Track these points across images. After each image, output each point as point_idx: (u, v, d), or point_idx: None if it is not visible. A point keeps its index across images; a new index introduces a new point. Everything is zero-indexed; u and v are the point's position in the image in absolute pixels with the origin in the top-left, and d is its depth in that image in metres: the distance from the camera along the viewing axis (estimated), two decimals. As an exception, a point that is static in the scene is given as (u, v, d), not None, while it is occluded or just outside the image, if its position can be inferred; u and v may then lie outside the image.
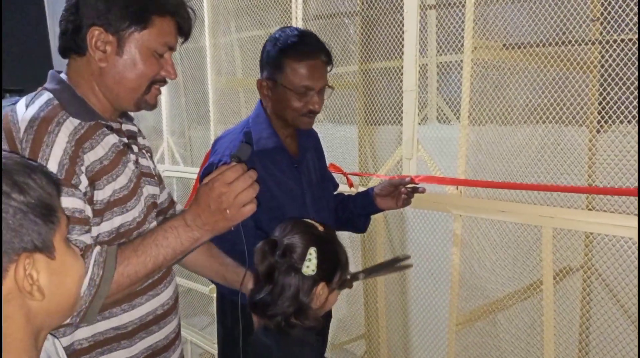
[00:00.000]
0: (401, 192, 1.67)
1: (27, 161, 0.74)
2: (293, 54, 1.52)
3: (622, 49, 1.43)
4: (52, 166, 1.03)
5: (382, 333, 2.24)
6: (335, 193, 1.88)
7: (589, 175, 1.76)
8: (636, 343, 1.50)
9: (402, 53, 1.89)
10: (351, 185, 2.10)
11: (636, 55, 1.39)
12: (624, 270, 1.53)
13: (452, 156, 1.77)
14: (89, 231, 1.07)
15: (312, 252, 1.19)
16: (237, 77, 2.79)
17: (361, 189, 1.91)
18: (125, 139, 1.23)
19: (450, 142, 1.81)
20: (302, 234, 1.22)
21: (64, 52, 1.17)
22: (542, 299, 1.57)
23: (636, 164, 1.49)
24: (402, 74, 1.88)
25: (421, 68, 2.01)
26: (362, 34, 2.16)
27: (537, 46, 1.50)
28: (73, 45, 1.13)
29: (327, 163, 1.90)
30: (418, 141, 1.84)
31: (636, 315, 1.53)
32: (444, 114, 2.25)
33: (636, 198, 1.41)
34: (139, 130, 1.35)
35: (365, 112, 2.25)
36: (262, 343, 1.27)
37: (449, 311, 1.78)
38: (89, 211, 1.08)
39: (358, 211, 1.77)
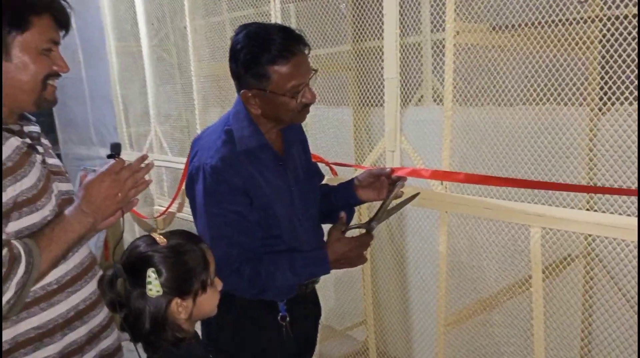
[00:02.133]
0: (382, 183, 1.62)
1: None
2: (273, 58, 1.42)
3: (625, 25, 1.33)
4: None
5: (382, 320, 2.21)
6: (320, 183, 1.82)
7: (590, 159, 1.67)
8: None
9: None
10: (335, 174, 2.04)
11: (637, 30, 1.30)
12: (626, 255, 1.46)
13: (439, 146, 1.69)
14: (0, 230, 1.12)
15: (151, 273, 1.18)
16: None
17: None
18: (28, 141, 1.25)
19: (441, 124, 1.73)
20: (139, 256, 1.22)
21: None
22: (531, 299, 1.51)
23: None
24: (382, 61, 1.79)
25: (415, 46, 1.92)
26: (353, 12, 2.07)
27: (530, 26, 1.40)
28: None
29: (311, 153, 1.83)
30: (401, 131, 1.76)
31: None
32: (441, 95, 2.17)
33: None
34: (41, 130, 1.37)
35: (359, 93, 2.17)
36: None
37: (436, 312, 1.73)
38: None
39: (340, 203, 1.71)
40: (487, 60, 1.56)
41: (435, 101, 2.25)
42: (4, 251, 1.08)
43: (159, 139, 3.18)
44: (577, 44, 1.42)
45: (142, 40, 3.11)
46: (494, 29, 1.49)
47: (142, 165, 1.27)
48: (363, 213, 2.13)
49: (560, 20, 1.41)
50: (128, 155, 3.59)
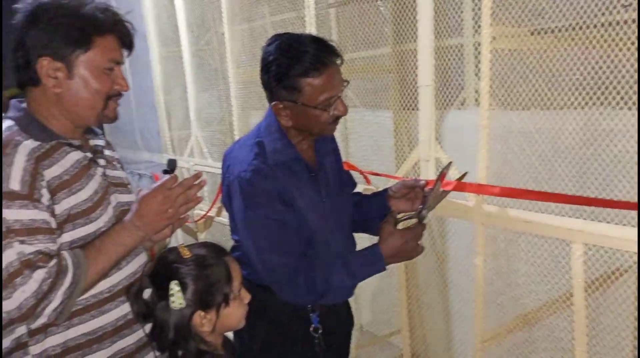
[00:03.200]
0: (416, 194, 1.57)
1: None
2: (305, 70, 1.40)
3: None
4: (14, 184, 1.13)
5: (422, 328, 2.16)
6: (353, 192, 1.79)
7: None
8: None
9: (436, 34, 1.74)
10: (369, 183, 2.00)
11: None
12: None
13: (476, 153, 1.62)
14: (54, 239, 1.18)
15: (174, 286, 1.20)
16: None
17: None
18: (89, 154, 1.31)
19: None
20: (164, 268, 1.24)
21: (20, 86, 1.26)
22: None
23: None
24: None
25: (457, 48, 1.85)
26: (393, 14, 2.02)
27: (574, 29, 1.32)
28: (26, 78, 1.23)
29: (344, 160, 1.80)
30: (437, 140, 1.70)
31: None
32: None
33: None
34: (108, 142, 1.45)
35: (400, 96, 2.12)
36: None
37: (473, 326, 1.66)
38: (53, 223, 1.18)
39: (373, 213, 1.67)
40: (526, 65, 1.49)
41: (476, 105, 2.17)
42: (52, 262, 1.14)
43: (199, 144, 3.21)
44: (627, 46, 1.33)
45: (184, 47, 3.15)
46: (532, 33, 1.42)
47: (195, 182, 1.30)
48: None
49: (608, 22, 1.32)
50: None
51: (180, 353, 1.24)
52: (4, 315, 1.13)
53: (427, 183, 1.59)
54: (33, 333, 1.21)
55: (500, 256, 1.67)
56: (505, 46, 1.48)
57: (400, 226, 1.52)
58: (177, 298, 1.19)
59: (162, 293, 1.21)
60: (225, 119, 3.17)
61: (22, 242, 1.12)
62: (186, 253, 1.24)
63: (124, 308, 1.31)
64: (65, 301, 1.16)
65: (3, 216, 1.11)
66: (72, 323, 1.24)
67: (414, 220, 1.51)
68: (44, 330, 1.21)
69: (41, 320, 1.15)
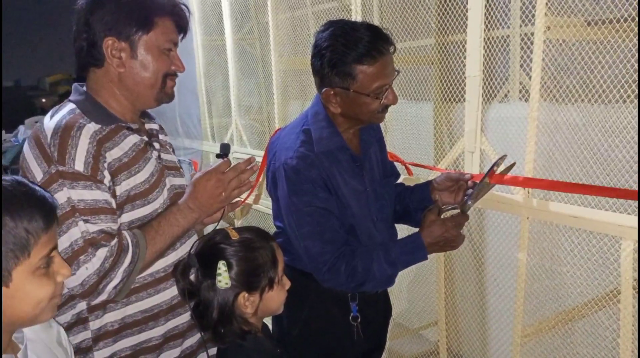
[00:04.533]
0: (460, 187, 1.56)
1: (28, 191, 0.90)
2: (360, 57, 1.40)
3: None
4: (79, 165, 1.17)
5: (456, 322, 2.14)
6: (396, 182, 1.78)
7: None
8: None
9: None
10: (411, 174, 1.99)
11: None
12: None
13: (522, 146, 1.60)
14: (115, 219, 1.22)
15: (221, 266, 1.22)
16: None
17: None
18: (145, 138, 1.34)
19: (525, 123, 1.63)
20: (212, 248, 1.26)
21: (83, 68, 1.31)
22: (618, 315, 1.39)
23: None
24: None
25: (503, 40, 1.82)
26: (438, 5, 2.00)
27: (630, 21, 1.29)
28: (91, 59, 1.28)
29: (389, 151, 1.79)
30: (482, 132, 1.67)
31: None
32: (528, 92, 2.05)
33: None
34: (161, 127, 1.48)
35: (441, 88, 2.10)
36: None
37: (513, 321, 1.64)
38: (114, 203, 1.23)
39: (415, 204, 1.66)
40: (581, 56, 1.45)
41: (521, 98, 2.13)
42: (113, 241, 1.19)
43: (239, 131, 3.24)
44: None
45: (227, 35, 3.18)
46: (589, 24, 1.38)
47: (247, 167, 1.34)
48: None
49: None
50: (210, 146, 3.70)
51: (222, 331, 1.26)
52: (66, 290, 1.18)
53: (472, 176, 1.58)
54: (92, 310, 1.26)
55: (545, 251, 1.64)
56: (559, 36, 1.45)
57: (443, 216, 1.51)
58: (223, 277, 1.22)
59: (208, 273, 1.24)
60: (263, 107, 3.19)
61: (86, 221, 1.17)
62: (234, 235, 1.26)
63: None
64: (125, 279, 1.21)
65: (69, 195, 1.16)
66: (130, 301, 1.29)
67: (457, 211, 1.49)
68: (103, 306, 1.26)
69: (102, 297, 1.20)
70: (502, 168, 1.50)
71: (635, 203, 1.36)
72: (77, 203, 1.17)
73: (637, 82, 1.32)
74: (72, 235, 1.16)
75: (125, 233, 1.23)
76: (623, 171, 1.43)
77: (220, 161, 1.33)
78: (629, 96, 1.40)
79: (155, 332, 1.33)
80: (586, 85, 1.46)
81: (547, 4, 1.44)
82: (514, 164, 1.48)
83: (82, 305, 1.25)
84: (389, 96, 1.46)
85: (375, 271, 1.46)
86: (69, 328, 1.26)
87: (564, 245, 1.59)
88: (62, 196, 1.16)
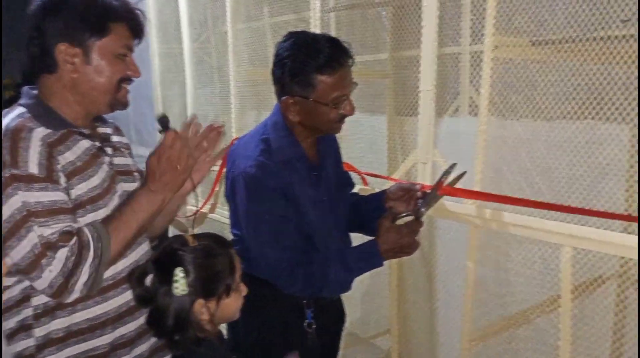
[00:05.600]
0: (412, 196, 1.62)
1: None
2: (320, 67, 1.44)
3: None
4: (33, 167, 1.16)
5: (407, 330, 2.19)
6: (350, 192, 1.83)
7: (627, 179, 1.63)
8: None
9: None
10: (366, 184, 2.05)
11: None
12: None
13: (472, 159, 1.67)
14: (75, 219, 1.21)
15: (178, 272, 1.22)
16: (268, 66, 2.73)
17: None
18: (97, 143, 1.33)
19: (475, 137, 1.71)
20: (169, 255, 1.25)
21: (35, 74, 1.28)
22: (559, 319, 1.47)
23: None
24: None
25: (453, 57, 1.91)
26: (393, 22, 2.07)
27: (572, 42, 1.38)
28: (43, 66, 1.26)
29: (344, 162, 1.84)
30: (434, 144, 1.75)
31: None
32: (477, 107, 2.14)
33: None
34: (117, 128, 1.47)
35: (395, 102, 2.17)
36: None
37: (461, 327, 1.71)
38: (71, 204, 1.22)
39: (369, 214, 1.71)
40: (526, 74, 1.54)
41: (470, 113, 2.22)
42: (73, 240, 1.17)
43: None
44: (620, 61, 1.39)
45: (184, 43, 3.17)
46: (533, 44, 1.47)
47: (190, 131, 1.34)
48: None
49: (602, 37, 1.38)
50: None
51: (177, 338, 1.26)
52: (39, 293, 1.19)
53: (422, 186, 1.64)
54: (38, 317, 1.23)
55: (491, 259, 1.72)
56: (506, 55, 1.53)
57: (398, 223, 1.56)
58: (180, 284, 1.22)
59: (165, 279, 1.24)
60: (220, 117, 3.19)
61: (41, 224, 1.15)
62: (192, 242, 1.27)
63: (127, 296, 1.33)
64: (94, 275, 1.19)
65: (25, 199, 1.14)
66: (76, 309, 1.26)
67: (412, 218, 1.55)
68: (51, 313, 1.24)
69: (75, 295, 1.19)
70: (452, 176, 1.57)
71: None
72: (34, 205, 1.15)
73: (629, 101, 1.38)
74: (31, 239, 1.14)
75: (85, 229, 1.21)
76: (563, 183, 1.52)
77: (165, 135, 1.28)
78: (568, 113, 1.50)
79: (102, 340, 1.31)
80: (530, 102, 1.54)
81: (494, 24, 1.52)
82: (464, 173, 1.55)
83: (27, 311, 1.23)
84: (346, 106, 1.50)
85: (332, 277, 1.49)
86: (12, 335, 1.23)
87: (510, 253, 1.67)
88: (17, 200, 1.14)
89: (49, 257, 1.14)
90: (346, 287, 1.58)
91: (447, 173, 1.52)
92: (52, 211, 1.17)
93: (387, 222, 1.51)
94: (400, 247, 1.50)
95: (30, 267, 1.15)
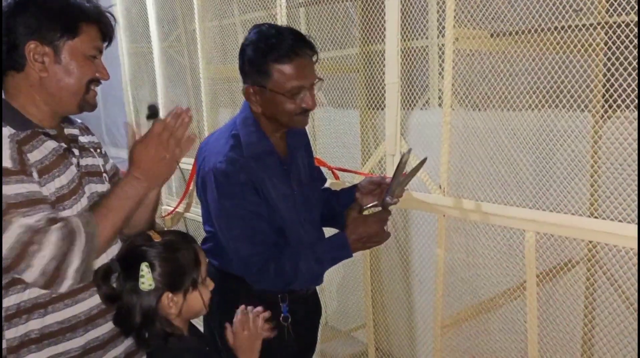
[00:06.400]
0: (383, 190, 1.63)
1: None
2: (277, 56, 1.45)
3: (628, 31, 1.34)
4: (6, 160, 1.15)
5: (385, 322, 2.22)
6: (322, 187, 1.84)
7: (592, 165, 1.68)
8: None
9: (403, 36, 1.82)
10: (337, 178, 2.07)
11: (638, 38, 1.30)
12: (626, 263, 1.47)
13: (439, 148, 1.71)
14: (54, 211, 1.20)
15: (144, 267, 1.23)
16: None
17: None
18: (64, 144, 1.32)
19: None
20: (134, 251, 1.26)
21: (0, 71, 1.27)
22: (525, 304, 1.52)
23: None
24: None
25: (422, 50, 1.93)
26: (362, 16, 2.09)
27: (530, 33, 1.41)
28: (11, 62, 1.24)
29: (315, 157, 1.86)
30: (402, 135, 1.78)
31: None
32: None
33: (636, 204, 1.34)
34: (86, 128, 1.46)
35: (367, 96, 2.19)
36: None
37: (433, 313, 1.74)
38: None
39: (340, 208, 1.73)
40: (488, 65, 1.57)
41: (440, 105, 2.25)
42: (61, 224, 1.17)
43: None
44: (580, 49, 1.43)
45: (154, 42, 3.15)
46: (492, 35, 1.51)
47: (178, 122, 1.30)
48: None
49: (564, 27, 1.41)
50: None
51: (146, 335, 1.26)
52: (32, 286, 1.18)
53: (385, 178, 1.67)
54: (10, 318, 1.22)
55: (460, 246, 1.76)
56: (467, 47, 1.56)
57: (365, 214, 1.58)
58: (147, 279, 1.22)
59: (131, 276, 1.24)
60: (192, 116, 3.18)
61: (24, 214, 1.14)
62: (157, 237, 1.27)
63: (98, 298, 1.32)
64: (86, 260, 1.19)
65: (3, 192, 1.13)
66: (47, 311, 1.25)
67: (379, 208, 1.56)
68: (21, 315, 1.23)
69: (67, 283, 1.18)
70: (414, 162, 1.58)
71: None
72: (14, 197, 1.14)
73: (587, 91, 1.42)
74: (14, 230, 1.13)
75: (71, 217, 1.20)
76: (527, 173, 1.56)
77: (153, 123, 1.28)
78: (533, 102, 1.53)
79: (74, 343, 1.30)
80: (493, 92, 1.58)
81: (455, 17, 1.55)
82: (425, 159, 1.56)
83: None
84: (306, 99, 1.50)
85: (303, 269, 1.50)
86: None
87: (478, 240, 1.71)
88: None
89: (37, 243, 1.14)
90: (318, 279, 1.59)
91: (402, 158, 1.53)
92: (32, 201, 1.16)
93: (354, 213, 1.53)
94: (368, 237, 1.51)
95: (19, 258, 1.13)
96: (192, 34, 2.88)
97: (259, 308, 1.42)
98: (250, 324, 1.39)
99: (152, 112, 1.32)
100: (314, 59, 1.51)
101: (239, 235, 1.50)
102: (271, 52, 1.45)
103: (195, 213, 2.96)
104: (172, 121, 1.27)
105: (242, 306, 1.43)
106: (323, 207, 1.77)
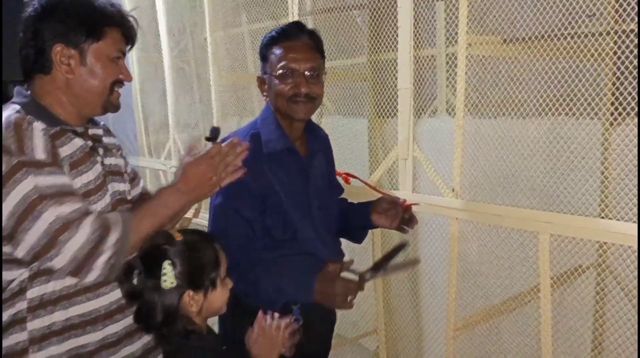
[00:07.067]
0: (397, 211, 1.64)
1: None
2: (273, 40, 1.53)
3: (637, 39, 1.36)
4: (39, 154, 1.19)
5: (394, 329, 2.22)
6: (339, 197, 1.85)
7: (602, 171, 1.69)
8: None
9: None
10: (348, 182, 2.06)
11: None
12: (632, 262, 1.48)
13: (451, 155, 1.73)
14: (86, 204, 1.24)
15: (166, 265, 1.25)
16: (248, 72, 2.76)
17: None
18: (89, 143, 1.35)
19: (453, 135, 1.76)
20: (155, 250, 1.27)
21: (28, 74, 1.32)
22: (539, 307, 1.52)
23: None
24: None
25: (430, 59, 1.96)
26: (370, 25, 2.12)
27: (542, 39, 1.44)
28: (38, 66, 1.29)
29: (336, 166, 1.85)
30: (414, 140, 1.80)
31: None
32: (454, 107, 2.19)
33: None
34: (108, 130, 1.49)
35: (375, 104, 2.21)
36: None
37: (446, 317, 1.75)
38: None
39: (354, 222, 1.74)
40: (499, 72, 1.60)
41: (449, 113, 2.28)
42: (94, 215, 1.21)
43: (177, 147, 3.24)
44: (590, 57, 1.45)
45: (164, 52, 3.19)
46: (505, 41, 1.53)
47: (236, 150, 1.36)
48: (376, 236, 2.17)
49: (575, 34, 1.44)
50: (147, 162, 3.66)
51: (166, 332, 1.27)
52: (38, 284, 1.21)
53: (403, 202, 1.67)
54: (32, 309, 1.24)
55: (472, 249, 1.77)
56: (479, 53, 1.59)
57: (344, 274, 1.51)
58: (169, 277, 1.24)
59: (152, 274, 1.25)
60: (201, 123, 3.21)
61: (60, 203, 1.17)
62: (178, 236, 1.29)
63: (118, 293, 1.34)
64: (116, 255, 1.22)
65: (36, 183, 1.16)
66: (71, 303, 1.28)
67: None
68: (44, 307, 1.25)
69: (94, 274, 1.20)
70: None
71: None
72: (46, 188, 1.17)
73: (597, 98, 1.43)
74: (46, 219, 1.16)
75: (111, 212, 1.25)
76: (538, 180, 1.58)
77: (210, 145, 1.34)
78: (543, 109, 1.55)
79: (92, 337, 1.32)
80: (506, 98, 1.60)
81: (468, 23, 1.58)
82: (405, 245, 1.54)
83: (22, 305, 1.24)
84: (297, 80, 1.50)
85: (261, 288, 1.49)
86: (5, 329, 1.24)
87: (490, 242, 1.72)
88: (29, 183, 1.16)
89: (70, 231, 1.16)
90: (273, 304, 1.51)
91: (396, 250, 1.51)
92: (65, 193, 1.19)
93: (334, 268, 1.49)
94: (331, 296, 1.46)
95: (48, 245, 1.16)
96: (202, 43, 2.91)
97: (287, 320, 1.39)
98: (272, 332, 1.39)
99: (214, 135, 1.37)
100: (315, 50, 1.55)
101: (215, 231, 1.53)
102: (271, 37, 1.54)
103: (204, 218, 2.97)
104: (227, 147, 1.34)
105: (261, 313, 1.41)
106: (338, 219, 1.76)
